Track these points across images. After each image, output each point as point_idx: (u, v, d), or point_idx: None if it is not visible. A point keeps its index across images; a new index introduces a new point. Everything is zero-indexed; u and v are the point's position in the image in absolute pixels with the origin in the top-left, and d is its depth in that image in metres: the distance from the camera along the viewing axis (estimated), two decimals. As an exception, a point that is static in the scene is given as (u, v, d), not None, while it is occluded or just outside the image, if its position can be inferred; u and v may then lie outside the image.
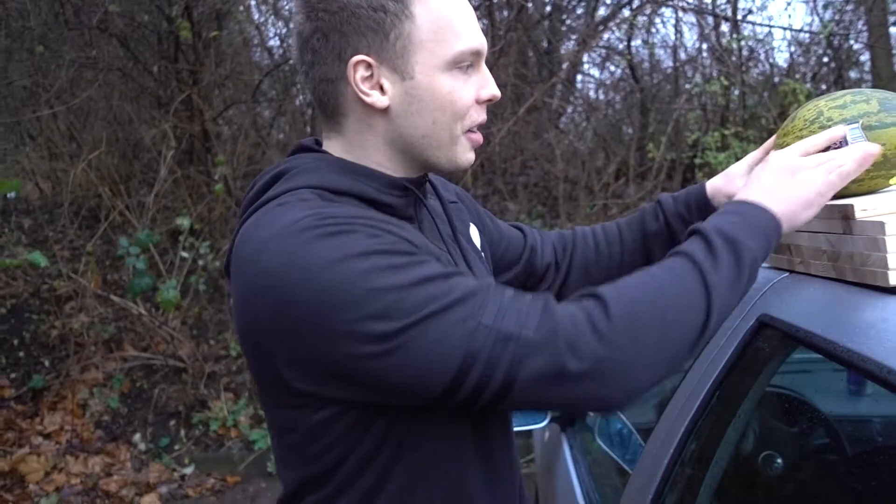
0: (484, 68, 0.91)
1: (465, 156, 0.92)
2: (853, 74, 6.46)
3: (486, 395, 0.76)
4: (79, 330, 4.77)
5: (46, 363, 4.79)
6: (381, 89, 0.86)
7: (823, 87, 6.31)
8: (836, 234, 0.98)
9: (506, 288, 0.80)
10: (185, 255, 4.52)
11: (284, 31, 6.99)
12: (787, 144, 1.04)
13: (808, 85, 5.24)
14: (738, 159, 4.45)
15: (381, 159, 0.90)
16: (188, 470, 4.22)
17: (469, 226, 1.09)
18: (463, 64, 0.87)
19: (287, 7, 7.25)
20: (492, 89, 0.90)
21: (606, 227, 1.23)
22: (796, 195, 0.91)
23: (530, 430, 2.21)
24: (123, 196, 5.32)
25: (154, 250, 4.75)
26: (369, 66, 0.85)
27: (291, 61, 6.28)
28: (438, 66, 0.86)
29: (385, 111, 0.87)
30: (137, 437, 4.41)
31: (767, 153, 1.10)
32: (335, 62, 0.86)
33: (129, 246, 4.27)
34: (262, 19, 7.31)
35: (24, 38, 5.39)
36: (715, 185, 1.14)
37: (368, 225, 0.79)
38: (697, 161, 4.95)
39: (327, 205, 0.82)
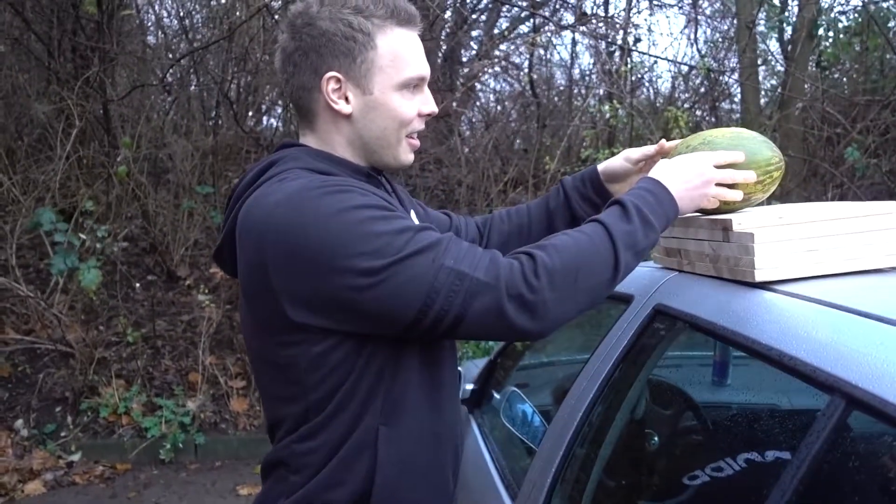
0: (426, 90, 1.16)
1: (407, 156, 1.17)
2: (726, 105, 7.15)
3: (443, 325, 0.98)
4: (-45, 310, 4.54)
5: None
6: (347, 100, 1.10)
7: (699, 113, 6.94)
8: (716, 242, 1.24)
9: (462, 241, 1.04)
10: (82, 236, 4.39)
11: (183, 14, 6.88)
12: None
13: (687, 112, 5.76)
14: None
15: (346, 154, 1.14)
16: (75, 457, 4.12)
17: (410, 210, 1.32)
18: (411, 85, 1.12)
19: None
20: (431, 107, 1.16)
21: (519, 207, 1.51)
22: (699, 196, 1.18)
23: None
24: (9, 172, 5.08)
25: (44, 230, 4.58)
26: (339, 80, 1.09)
27: (196, 44, 6.21)
28: (392, 86, 1.10)
29: (348, 117, 1.11)
30: (19, 423, 4.25)
31: (659, 150, 1.39)
32: (312, 75, 1.10)
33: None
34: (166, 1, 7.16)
35: None
36: (607, 165, 1.42)
37: (359, 187, 1.03)
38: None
39: (321, 175, 1.05)
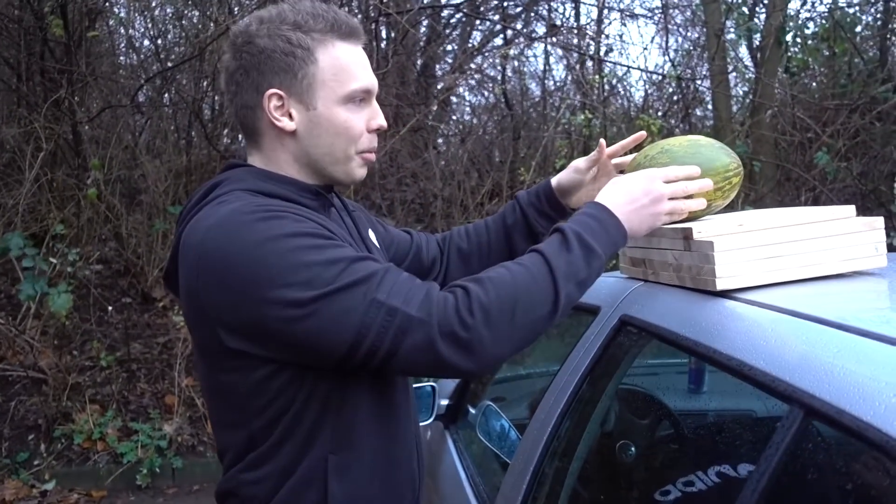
0: (374, 103, 1.13)
1: (358, 171, 1.14)
2: (699, 112, 7.21)
3: (376, 360, 0.94)
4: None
5: None
6: (290, 116, 1.07)
7: (673, 121, 7.00)
8: (678, 251, 1.23)
9: (401, 272, 1.00)
10: (52, 260, 4.32)
11: (155, 34, 6.84)
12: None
13: (660, 120, 5.80)
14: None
15: (292, 172, 1.11)
16: (49, 486, 4.04)
17: (368, 229, 1.30)
18: (356, 99, 1.09)
19: (158, 12, 7.10)
20: (380, 120, 1.13)
21: (477, 223, 1.50)
22: (650, 215, 1.14)
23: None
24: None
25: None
26: (281, 97, 1.07)
27: (169, 63, 6.17)
28: (336, 100, 1.07)
29: (293, 133, 1.08)
30: (-9, 452, 4.16)
31: (601, 153, 1.39)
32: (253, 93, 1.07)
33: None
34: (133, 21, 7.11)
35: None
36: (559, 179, 1.42)
37: (295, 213, 0.99)
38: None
39: (260, 198, 1.02)
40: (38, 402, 4.40)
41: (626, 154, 1.45)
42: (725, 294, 1.13)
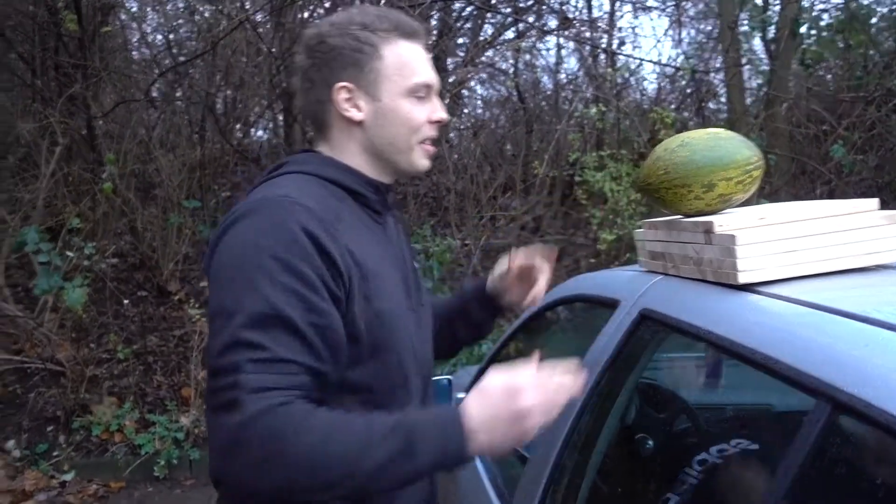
0: (435, 98, 1.20)
1: (421, 161, 1.21)
2: (712, 105, 7.17)
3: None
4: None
5: None
6: (358, 108, 1.16)
7: (686, 114, 6.96)
8: (699, 244, 1.24)
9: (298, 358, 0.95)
10: (69, 254, 4.36)
11: (167, 29, 6.88)
12: (649, 185, 1.32)
13: (674, 113, 5.78)
14: (612, 178, 4.79)
15: (359, 162, 1.18)
16: (68, 476, 4.08)
17: (402, 250, 1.28)
18: (418, 92, 1.17)
19: (170, 6, 7.14)
20: (440, 113, 1.20)
21: (449, 298, 1.57)
22: (511, 439, 0.97)
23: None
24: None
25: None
26: (349, 90, 1.15)
27: (182, 58, 6.20)
28: (400, 93, 1.16)
29: (360, 124, 1.16)
30: (11, 443, 4.21)
31: (511, 266, 1.39)
32: (324, 88, 1.16)
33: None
34: (145, 15, 7.15)
35: None
36: (490, 286, 1.46)
37: (298, 254, 0.98)
38: (577, 179, 5.35)
39: (312, 185, 1.09)
40: (57, 395, 4.45)
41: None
42: (747, 288, 1.13)
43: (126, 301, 5.18)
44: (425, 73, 1.18)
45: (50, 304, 4.61)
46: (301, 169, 1.13)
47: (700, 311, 1.16)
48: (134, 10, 6.99)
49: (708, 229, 1.19)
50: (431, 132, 1.20)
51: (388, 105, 1.15)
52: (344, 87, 1.14)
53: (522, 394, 0.96)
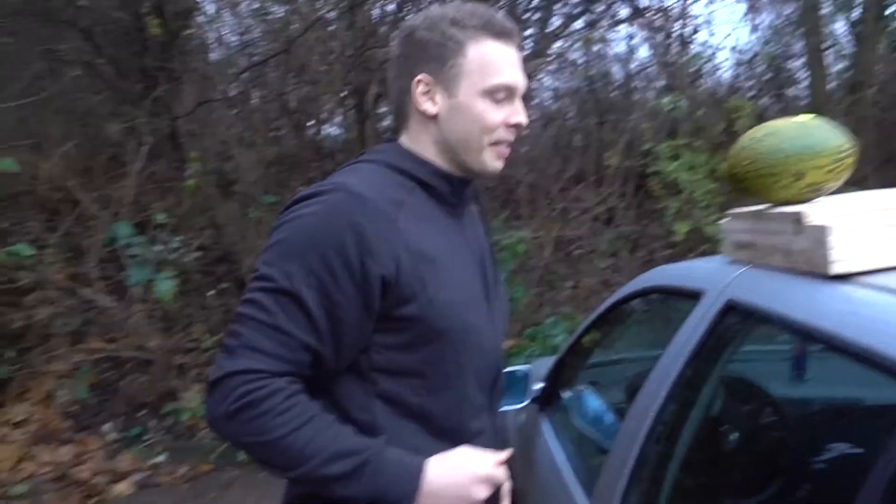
0: (518, 101, 1.18)
1: (492, 163, 1.19)
2: (792, 92, 6.92)
3: None
4: (43, 321, 4.77)
5: (11, 354, 4.77)
6: (434, 101, 1.17)
7: (765, 101, 6.75)
8: (788, 234, 1.22)
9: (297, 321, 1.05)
10: (158, 247, 4.58)
11: (242, 30, 7.07)
12: (735, 174, 1.32)
13: (751, 102, 5.61)
14: (688, 168, 4.67)
15: (433, 155, 1.19)
16: (160, 459, 4.30)
17: (475, 248, 1.30)
18: (497, 93, 1.15)
19: (244, 5, 7.33)
20: (519, 117, 1.18)
21: None
22: None
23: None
24: (87, 189, 5.32)
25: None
26: (428, 83, 1.16)
27: (255, 58, 6.38)
28: (477, 91, 1.15)
29: (434, 118, 1.17)
30: (107, 426, 4.46)
31: None
32: (407, 78, 1.18)
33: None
34: (222, 18, 7.37)
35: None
36: None
37: (354, 231, 1.05)
38: (650, 169, 5.27)
39: (366, 184, 1.10)
40: (147, 382, 4.69)
41: None
42: (840, 278, 1.11)
43: (209, 293, 5.40)
44: (509, 74, 1.16)
45: (140, 295, 4.85)
46: (374, 158, 1.18)
47: (791, 302, 1.15)
48: (212, 12, 7.23)
49: (798, 219, 1.18)
50: (507, 135, 1.18)
51: (463, 102, 1.15)
52: (423, 80, 1.15)
53: (482, 486, 1.08)
